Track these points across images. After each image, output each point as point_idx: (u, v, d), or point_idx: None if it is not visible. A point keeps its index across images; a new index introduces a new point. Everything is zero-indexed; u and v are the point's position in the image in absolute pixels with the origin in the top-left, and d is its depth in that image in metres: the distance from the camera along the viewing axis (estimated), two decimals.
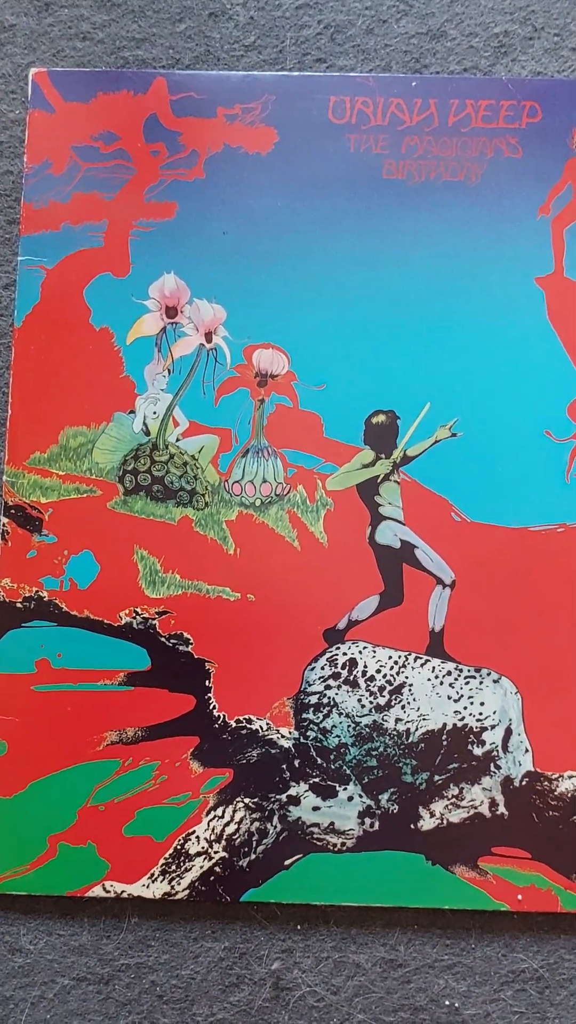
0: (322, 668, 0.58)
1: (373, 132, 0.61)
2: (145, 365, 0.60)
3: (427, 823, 0.57)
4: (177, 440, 0.59)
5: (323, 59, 0.63)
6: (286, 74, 0.62)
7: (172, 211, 0.61)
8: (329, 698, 0.57)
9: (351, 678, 0.58)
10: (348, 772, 0.57)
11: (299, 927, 0.57)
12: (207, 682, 0.58)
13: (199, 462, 0.59)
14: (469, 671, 0.58)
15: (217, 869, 0.56)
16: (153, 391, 0.59)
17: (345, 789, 0.57)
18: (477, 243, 0.61)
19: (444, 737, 0.57)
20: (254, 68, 0.63)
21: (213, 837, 0.56)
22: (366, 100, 0.62)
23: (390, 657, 0.58)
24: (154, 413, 0.59)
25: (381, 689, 0.58)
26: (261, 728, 0.57)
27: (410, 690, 0.57)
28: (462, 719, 0.57)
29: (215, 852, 0.56)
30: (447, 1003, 0.56)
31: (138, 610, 0.58)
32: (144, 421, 0.59)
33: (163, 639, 0.58)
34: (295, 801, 0.57)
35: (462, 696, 0.57)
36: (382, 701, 0.57)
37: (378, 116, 0.61)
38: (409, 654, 0.58)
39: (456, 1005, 0.56)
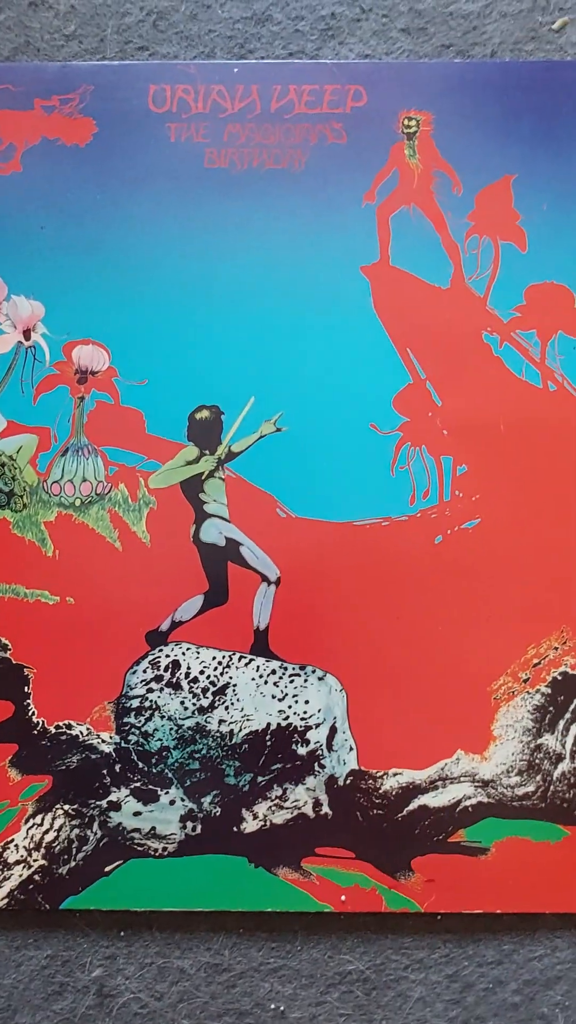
0: (144, 671, 0.56)
1: (194, 120, 0.60)
2: None
3: (250, 825, 0.56)
4: None
5: (145, 47, 0.62)
6: (105, 63, 0.61)
7: None
8: (151, 701, 0.56)
9: (174, 680, 0.57)
10: (170, 776, 0.56)
11: (122, 933, 0.56)
12: (26, 688, 0.57)
13: (17, 463, 0.58)
14: (294, 669, 0.57)
15: (36, 877, 0.55)
16: None
17: (167, 793, 0.56)
18: (301, 232, 0.59)
19: (268, 737, 0.56)
20: (75, 58, 0.62)
21: (32, 845, 0.55)
22: (187, 88, 0.60)
23: (214, 658, 0.57)
24: None
25: (204, 691, 0.57)
26: (81, 733, 0.56)
27: (234, 691, 0.56)
28: (286, 718, 0.56)
29: (34, 860, 0.55)
30: (273, 1007, 0.55)
31: None
32: None
33: None
34: (116, 807, 0.56)
35: (287, 695, 0.56)
36: (205, 703, 0.56)
37: (199, 104, 0.60)
38: (233, 654, 0.57)
39: (282, 1009, 0.55)
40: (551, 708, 0.56)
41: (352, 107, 0.60)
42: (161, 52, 0.62)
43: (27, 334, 0.59)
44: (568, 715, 0.56)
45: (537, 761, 0.56)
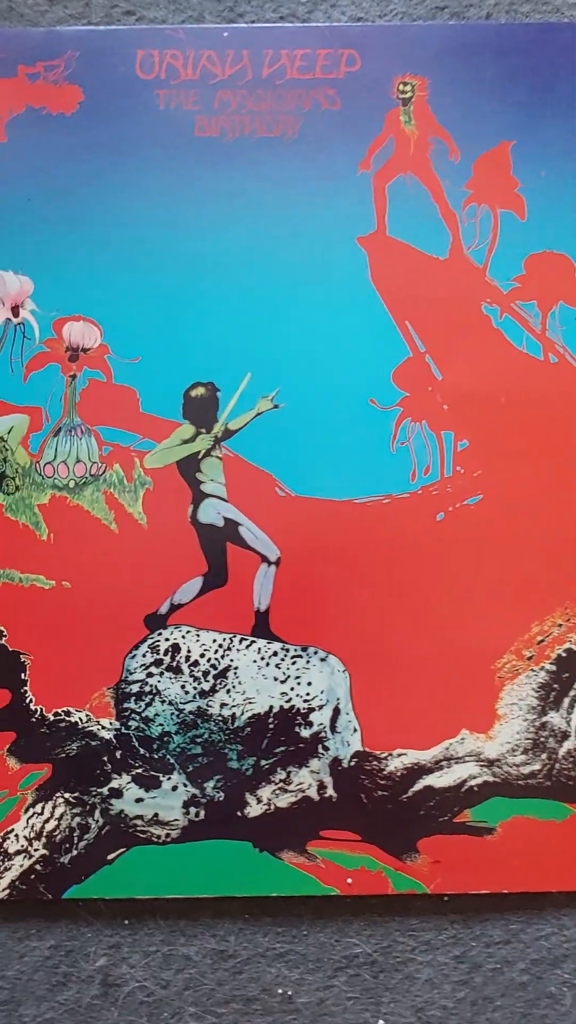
0: (143, 655, 0.55)
1: (184, 87, 0.58)
2: None
3: (254, 809, 0.55)
4: None
5: (132, 11, 0.60)
6: (91, 28, 0.59)
7: None
8: (151, 686, 0.55)
9: (174, 664, 0.55)
10: (172, 761, 0.55)
11: (126, 922, 0.55)
12: (23, 675, 0.55)
13: (8, 443, 0.56)
14: (296, 651, 0.55)
15: (38, 867, 0.54)
16: None
17: (169, 779, 0.55)
18: (295, 202, 0.58)
19: (271, 720, 0.55)
20: (59, 23, 0.60)
21: (33, 835, 0.54)
22: (175, 53, 0.58)
23: (214, 640, 0.56)
24: None
25: (205, 674, 0.55)
26: (80, 720, 0.55)
27: (235, 673, 0.55)
28: (289, 701, 0.55)
29: (35, 850, 0.54)
30: (280, 992, 0.54)
31: None
32: None
33: None
34: (117, 794, 0.55)
35: (289, 677, 0.55)
36: (206, 686, 0.55)
37: (188, 70, 0.58)
38: (234, 636, 0.56)
39: (289, 994, 0.54)
40: (556, 686, 0.56)
41: (346, 72, 0.58)
42: (148, 17, 0.60)
43: (15, 311, 0.57)
44: (573, 692, 0.55)
45: (542, 739, 0.55)
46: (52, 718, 0.55)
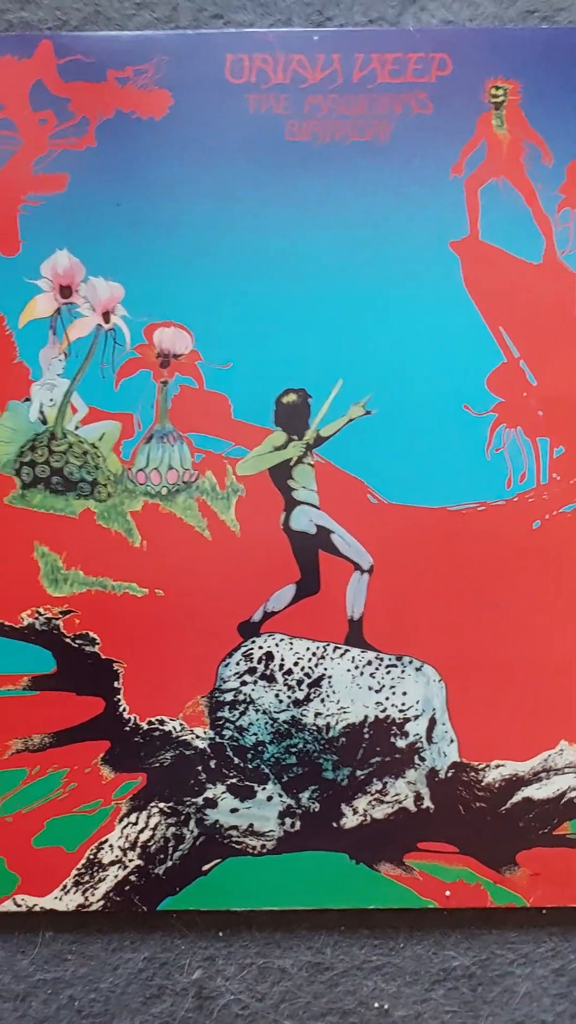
0: (237, 664, 0.55)
1: (274, 91, 0.58)
2: (40, 349, 0.57)
3: (350, 820, 0.54)
4: (76, 428, 0.56)
5: (220, 15, 0.59)
6: (180, 32, 0.58)
7: (63, 183, 0.57)
8: (245, 695, 0.55)
9: (268, 673, 0.55)
10: (267, 771, 0.54)
11: (220, 934, 0.54)
12: (116, 683, 0.55)
13: (100, 450, 0.56)
14: (390, 660, 0.55)
15: (132, 878, 0.54)
16: (49, 377, 0.56)
17: (264, 789, 0.54)
18: (387, 207, 0.57)
19: (366, 730, 0.55)
20: (147, 27, 0.59)
21: (127, 845, 0.54)
22: (265, 57, 0.58)
23: (308, 649, 0.55)
24: (51, 400, 0.56)
25: (299, 683, 0.55)
26: (174, 729, 0.54)
27: (329, 682, 0.55)
28: (384, 710, 0.55)
29: (130, 860, 0.54)
30: (376, 1005, 0.54)
31: (40, 610, 0.55)
32: (40, 409, 0.56)
33: (68, 640, 0.55)
34: (212, 804, 0.54)
35: (384, 686, 0.55)
36: (300, 695, 0.55)
37: (279, 74, 0.58)
38: (328, 645, 0.55)
39: (386, 1007, 0.54)
40: None
41: (437, 76, 0.58)
42: (236, 20, 0.60)
43: (106, 317, 0.56)
44: None
45: None
46: (146, 727, 0.54)
